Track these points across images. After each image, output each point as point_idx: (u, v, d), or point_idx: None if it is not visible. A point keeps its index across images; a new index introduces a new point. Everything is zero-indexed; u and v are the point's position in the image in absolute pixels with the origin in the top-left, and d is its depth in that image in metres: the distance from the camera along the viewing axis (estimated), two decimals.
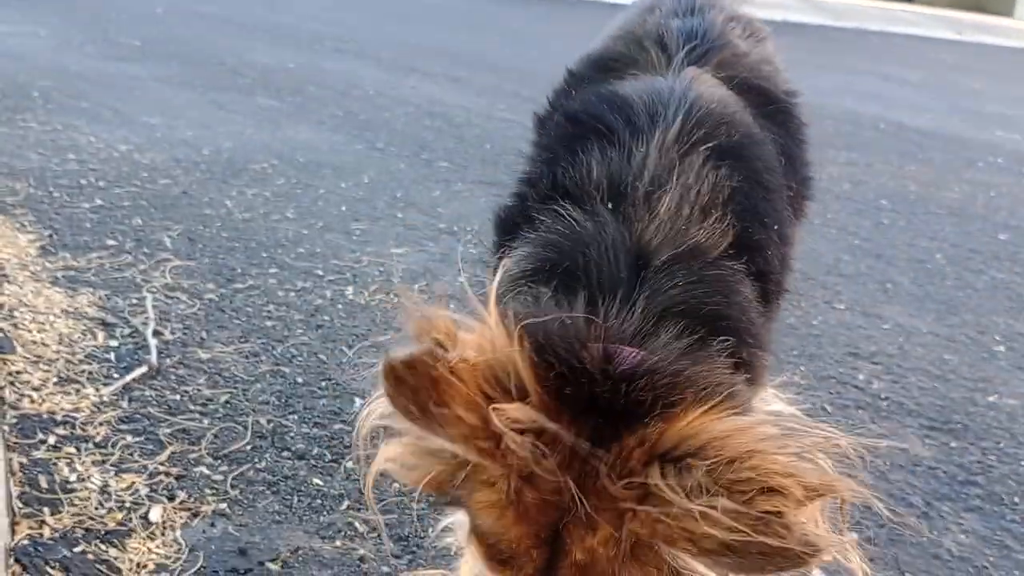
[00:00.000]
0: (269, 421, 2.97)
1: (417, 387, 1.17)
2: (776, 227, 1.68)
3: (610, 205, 1.52)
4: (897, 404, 3.50)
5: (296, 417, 3.01)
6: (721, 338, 1.37)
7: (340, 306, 3.80)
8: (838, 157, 6.97)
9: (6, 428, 2.73)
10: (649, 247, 1.44)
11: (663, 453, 1.17)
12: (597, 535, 1.23)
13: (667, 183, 1.53)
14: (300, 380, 3.22)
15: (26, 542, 2.33)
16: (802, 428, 1.19)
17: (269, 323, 3.58)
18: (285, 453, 2.83)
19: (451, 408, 1.17)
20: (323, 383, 3.22)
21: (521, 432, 1.18)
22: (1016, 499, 2.99)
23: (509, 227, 1.71)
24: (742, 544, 1.08)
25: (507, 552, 1.32)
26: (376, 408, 1.32)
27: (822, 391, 3.53)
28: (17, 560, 2.27)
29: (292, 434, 2.92)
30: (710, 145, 1.63)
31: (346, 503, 2.66)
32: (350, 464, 2.81)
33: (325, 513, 2.61)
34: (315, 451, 2.85)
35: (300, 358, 3.36)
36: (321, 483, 2.72)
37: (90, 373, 3.10)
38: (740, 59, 2.08)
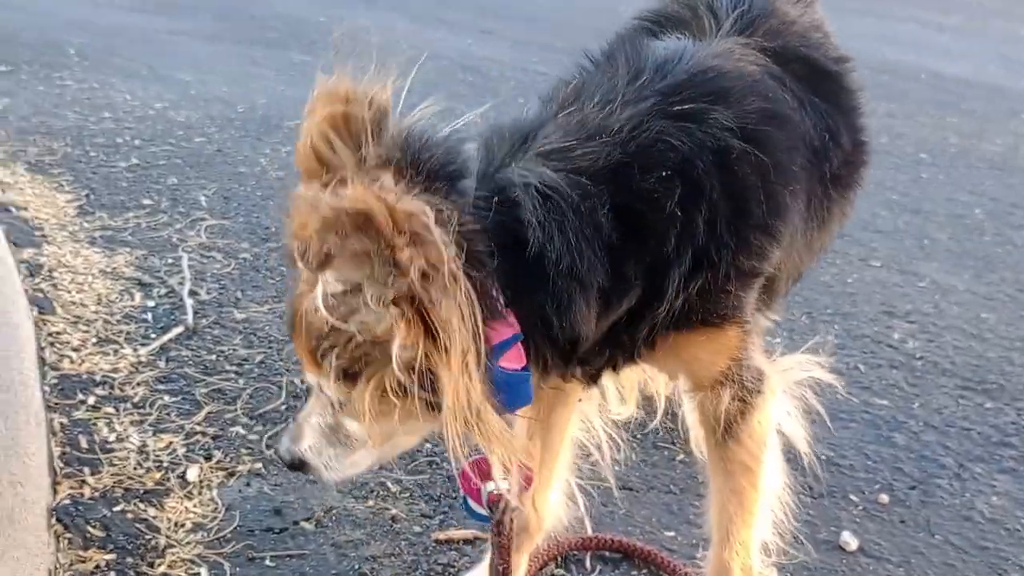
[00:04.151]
0: (303, 381, 3.00)
1: (314, 107, 1.66)
2: (719, 190, 1.70)
3: (559, 108, 1.76)
4: (932, 364, 3.47)
5: None
6: (511, 219, 1.59)
7: None
8: (876, 109, 6.77)
9: (47, 389, 2.79)
10: (536, 139, 1.69)
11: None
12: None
13: (601, 110, 1.71)
14: None
15: (67, 502, 2.39)
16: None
17: None
18: None
19: (312, 121, 1.64)
20: None
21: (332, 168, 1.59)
22: None
23: None
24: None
25: None
26: None
27: (856, 350, 3.51)
28: (59, 519, 2.33)
29: None
30: (681, 108, 1.71)
31: (379, 464, 2.69)
32: None
33: None
34: None
35: None
36: None
37: (128, 333, 3.15)
38: (788, 27, 2.08)
